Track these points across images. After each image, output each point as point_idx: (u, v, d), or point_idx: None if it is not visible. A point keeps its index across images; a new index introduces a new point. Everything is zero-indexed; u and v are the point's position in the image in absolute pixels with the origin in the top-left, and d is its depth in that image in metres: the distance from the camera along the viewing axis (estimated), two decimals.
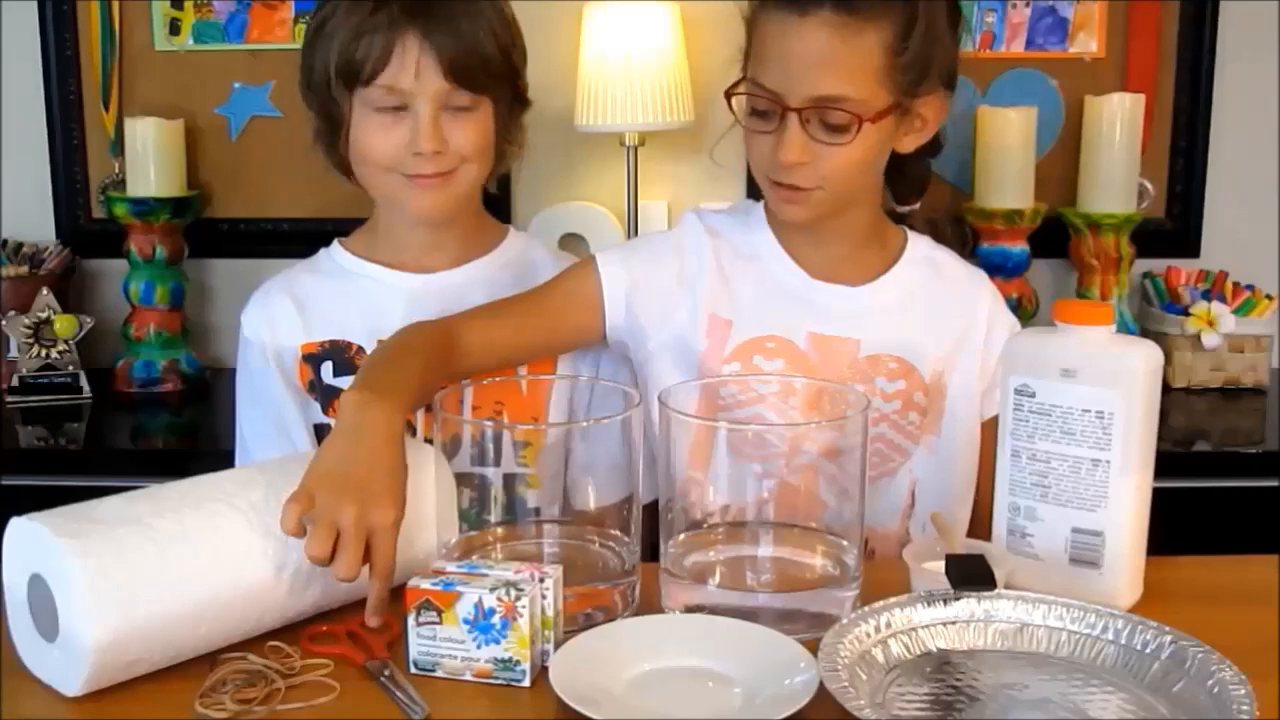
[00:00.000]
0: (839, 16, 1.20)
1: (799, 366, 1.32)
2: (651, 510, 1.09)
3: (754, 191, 2.41)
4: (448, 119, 1.33)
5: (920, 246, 1.39)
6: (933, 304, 1.36)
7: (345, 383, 1.37)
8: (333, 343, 1.41)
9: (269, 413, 1.42)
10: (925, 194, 1.44)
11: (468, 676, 0.95)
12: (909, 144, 1.31)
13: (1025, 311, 2.25)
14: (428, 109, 1.32)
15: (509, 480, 1.09)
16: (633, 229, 2.29)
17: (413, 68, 1.30)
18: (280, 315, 1.43)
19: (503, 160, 1.44)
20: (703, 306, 1.33)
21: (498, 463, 1.08)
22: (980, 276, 1.43)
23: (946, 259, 1.41)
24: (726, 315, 1.33)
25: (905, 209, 1.43)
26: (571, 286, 1.36)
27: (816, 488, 1.24)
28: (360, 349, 1.40)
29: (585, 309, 1.34)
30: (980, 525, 1.29)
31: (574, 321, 1.35)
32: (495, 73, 1.35)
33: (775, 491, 1.06)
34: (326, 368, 1.40)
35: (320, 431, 1.40)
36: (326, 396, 1.40)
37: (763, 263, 1.35)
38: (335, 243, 1.48)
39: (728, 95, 1.30)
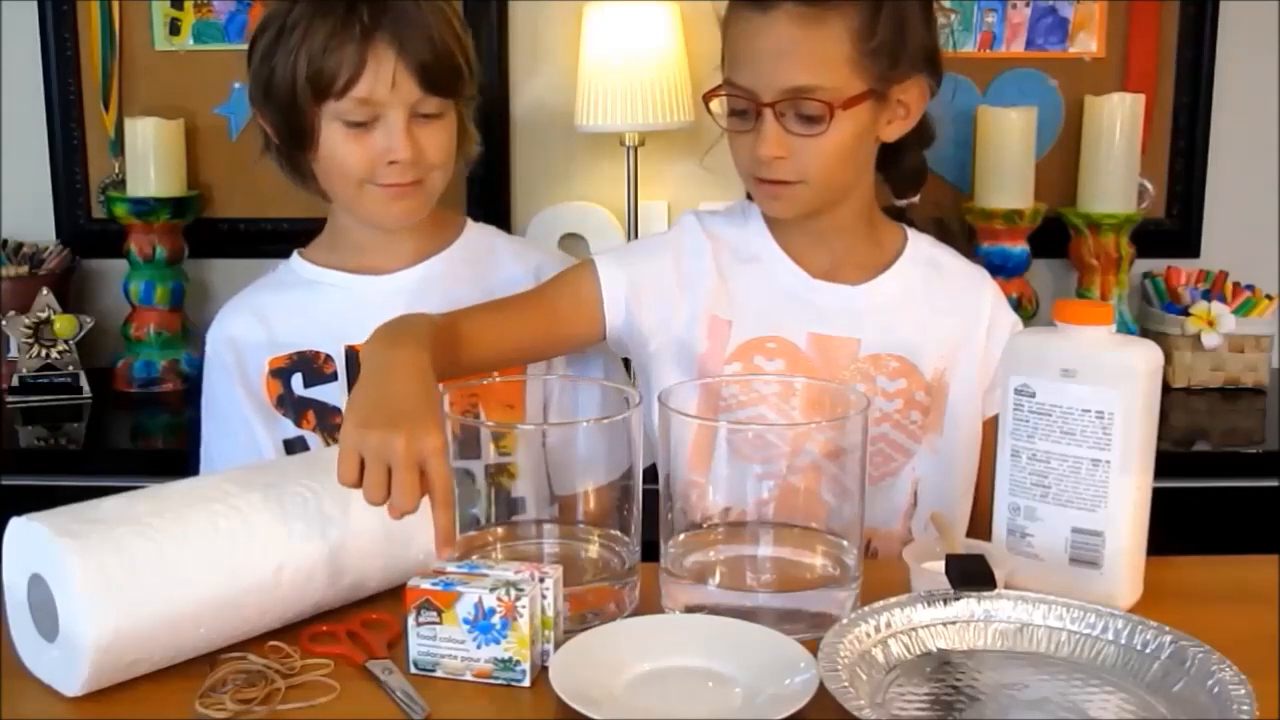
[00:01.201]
0: (800, 8, 1.21)
1: (800, 367, 1.32)
2: (651, 509, 1.09)
3: None
4: (417, 126, 1.32)
5: (921, 245, 1.39)
6: (934, 302, 1.36)
7: (317, 393, 1.38)
8: (300, 354, 1.39)
9: (237, 433, 1.40)
10: (923, 188, 1.44)
11: (468, 676, 0.95)
12: (893, 132, 1.30)
13: (1025, 311, 2.25)
14: (401, 117, 1.30)
15: (491, 471, 1.09)
16: (633, 229, 2.29)
17: (388, 78, 1.29)
18: (243, 333, 1.41)
19: (462, 163, 1.43)
20: (702, 308, 1.33)
21: (477, 455, 1.08)
22: (982, 274, 1.43)
23: (947, 257, 1.41)
24: (726, 316, 1.33)
25: (904, 203, 1.43)
26: (571, 289, 1.36)
27: (818, 488, 1.24)
28: (329, 357, 1.39)
29: (585, 312, 1.34)
30: (980, 525, 1.29)
31: (574, 323, 1.35)
32: (460, 77, 1.35)
33: (776, 492, 1.06)
34: (296, 380, 1.39)
35: (290, 447, 1.39)
36: (298, 409, 1.39)
37: (762, 264, 1.35)
38: (295, 254, 1.47)
39: (705, 99, 1.31)
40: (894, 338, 1.33)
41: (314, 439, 1.39)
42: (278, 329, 1.41)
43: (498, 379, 1.31)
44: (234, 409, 1.40)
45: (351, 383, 1.38)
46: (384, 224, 1.39)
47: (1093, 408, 1.05)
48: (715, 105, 1.30)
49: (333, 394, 1.39)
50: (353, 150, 1.32)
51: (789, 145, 1.24)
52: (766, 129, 1.24)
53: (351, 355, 1.38)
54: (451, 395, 1.11)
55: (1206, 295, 2.29)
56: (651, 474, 1.07)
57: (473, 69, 1.38)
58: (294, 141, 1.35)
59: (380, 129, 1.31)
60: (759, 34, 1.23)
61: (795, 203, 1.29)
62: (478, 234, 1.48)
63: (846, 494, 1.06)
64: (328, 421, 1.39)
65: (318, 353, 1.39)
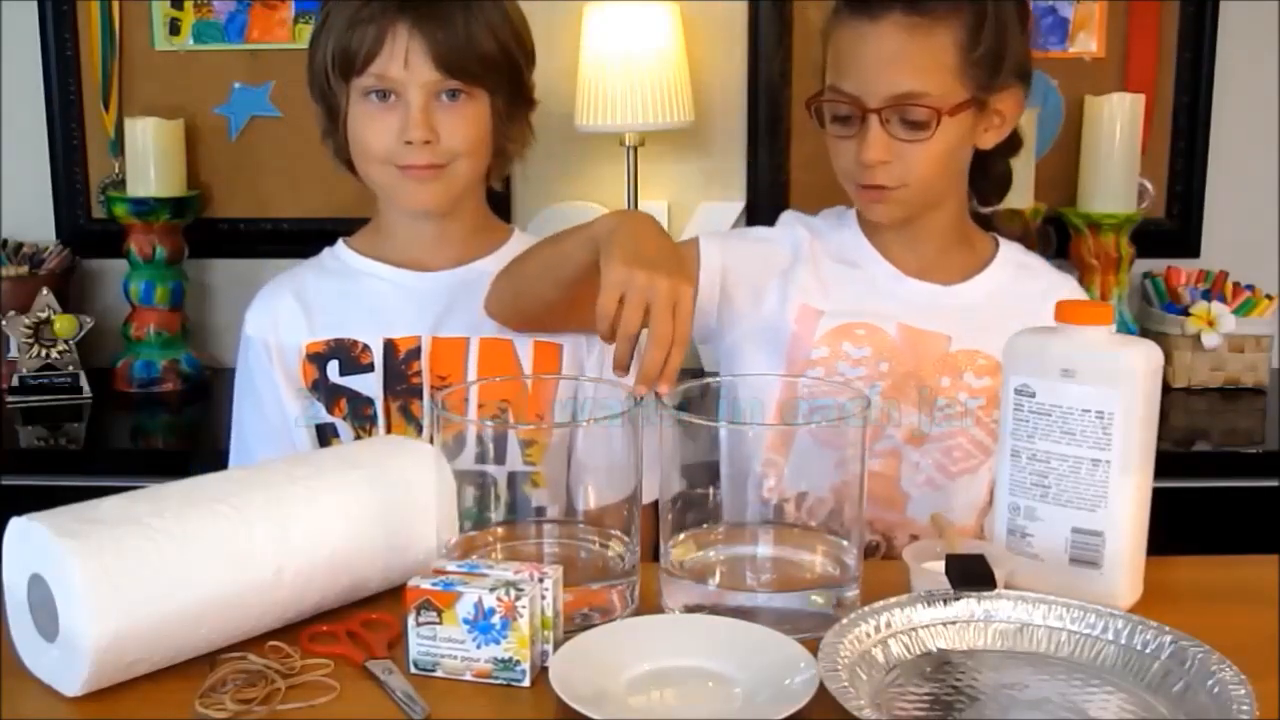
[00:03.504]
0: (910, 18, 1.25)
1: (888, 354, 1.34)
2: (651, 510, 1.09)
3: (754, 192, 2.41)
4: (440, 111, 1.35)
5: (1012, 251, 1.42)
6: (1023, 307, 1.34)
7: (352, 382, 1.39)
8: (338, 341, 1.41)
9: (269, 413, 1.42)
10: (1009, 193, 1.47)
11: (468, 676, 0.95)
12: (988, 140, 1.34)
13: None
14: (418, 98, 1.33)
15: (513, 478, 1.09)
16: None
17: (401, 56, 1.32)
18: (284, 314, 1.43)
19: (504, 158, 1.45)
20: (795, 294, 1.36)
21: (502, 460, 1.08)
22: (1070, 281, 1.46)
23: (1037, 264, 1.44)
24: (819, 307, 1.36)
25: (988, 210, 1.45)
26: None
27: (897, 476, 1.30)
28: (366, 347, 1.40)
29: None
30: None
31: None
32: (489, 66, 1.36)
33: (851, 480, 1.06)
34: (332, 367, 1.40)
35: (321, 432, 1.40)
36: (331, 396, 1.40)
37: (856, 265, 1.39)
38: (340, 242, 1.49)
39: (809, 105, 1.34)
40: (983, 337, 1.35)
41: (344, 427, 1.40)
42: (317, 313, 1.43)
43: (529, 380, 1.33)
44: (269, 389, 1.42)
45: (388, 376, 1.40)
46: (409, 208, 1.41)
47: (1093, 408, 1.05)
48: (811, 110, 1.34)
49: (368, 385, 1.40)
50: (372, 128, 1.36)
51: (893, 150, 1.27)
52: (872, 134, 1.27)
53: (389, 348, 1.40)
54: (481, 398, 1.12)
55: (1206, 295, 2.29)
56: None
57: (515, 64, 1.40)
58: (332, 123, 1.40)
59: (399, 108, 1.34)
60: (867, 42, 1.26)
61: (896, 207, 1.32)
62: (525, 243, 1.49)
63: (847, 494, 1.06)
64: (359, 411, 1.40)
65: (356, 341, 1.41)
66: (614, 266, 1.10)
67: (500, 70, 1.38)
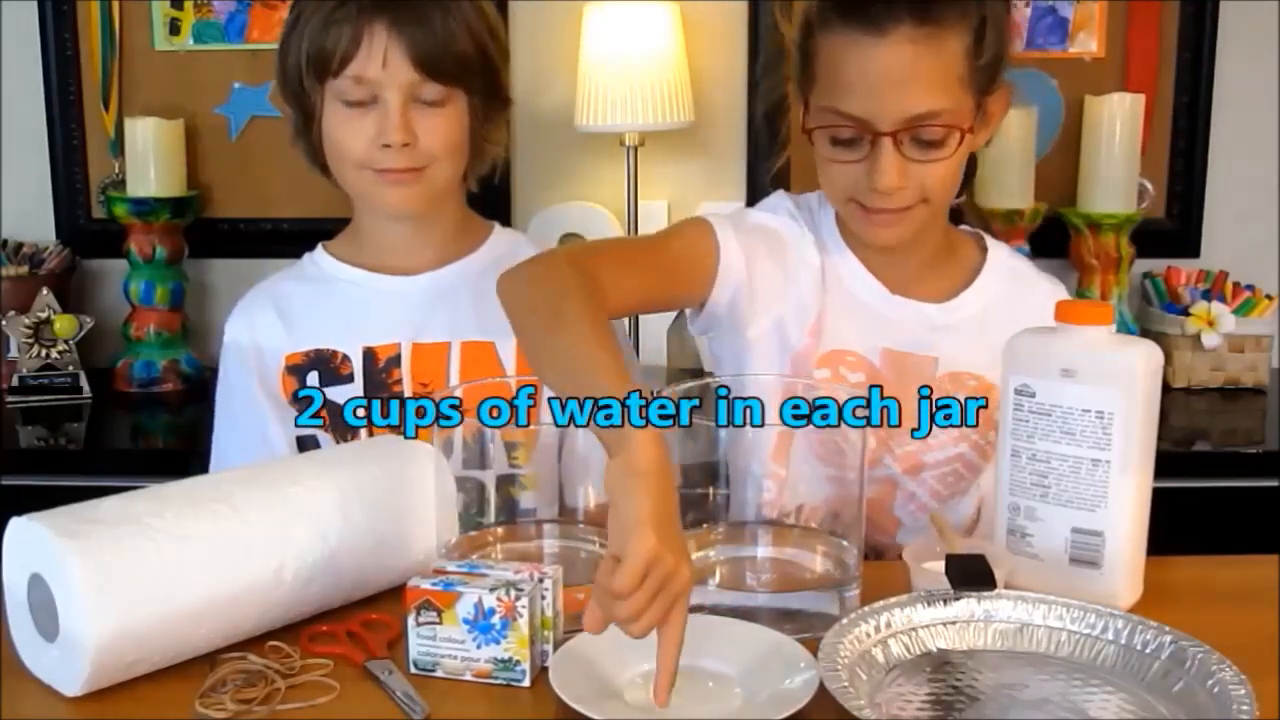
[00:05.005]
0: (920, 30, 1.15)
1: (876, 381, 1.29)
2: None
3: (754, 192, 2.41)
4: (418, 113, 1.32)
5: (1000, 255, 1.36)
6: (1014, 319, 1.24)
7: (332, 393, 1.37)
8: (318, 352, 1.39)
9: (250, 425, 1.40)
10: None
11: (468, 676, 0.95)
12: (980, 141, 1.27)
13: None
14: (396, 100, 1.30)
15: (502, 482, 1.09)
16: (633, 229, 2.29)
17: (380, 57, 1.29)
18: (263, 326, 1.41)
19: (481, 159, 1.42)
20: (809, 302, 1.30)
21: (489, 465, 1.08)
22: (1059, 290, 1.38)
23: (1026, 271, 1.38)
24: (815, 321, 1.31)
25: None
26: (690, 249, 1.29)
27: (891, 502, 1.28)
28: (345, 358, 1.38)
29: (699, 276, 1.28)
30: None
31: (688, 285, 1.29)
32: (467, 66, 1.33)
33: (851, 494, 1.05)
34: (312, 378, 1.38)
35: (303, 444, 1.38)
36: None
37: (843, 281, 1.32)
38: (319, 247, 1.46)
39: (807, 131, 1.24)
40: (972, 357, 1.30)
41: (325, 438, 1.38)
42: (297, 323, 1.40)
43: (514, 381, 1.31)
44: (248, 401, 1.40)
45: (369, 385, 1.37)
46: (387, 211, 1.38)
47: (1093, 408, 1.05)
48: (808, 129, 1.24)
49: (349, 395, 1.38)
50: (349, 132, 1.32)
51: (907, 172, 1.19)
52: (886, 160, 1.18)
53: (369, 356, 1.38)
54: (465, 400, 1.11)
55: (1206, 295, 2.30)
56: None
57: (491, 63, 1.37)
58: (305, 125, 1.37)
59: (377, 111, 1.31)
60: (873, 59, 1.16)
61: (908, 227, 1.25)
62: (507, 240, 1.47)
63: (846, 495, 1.06)
64: (341, 421, 1.38)
65: (335, 352, 1.38)
66: (644, 540, 0.88)
67: (477, 70, 1.35)
